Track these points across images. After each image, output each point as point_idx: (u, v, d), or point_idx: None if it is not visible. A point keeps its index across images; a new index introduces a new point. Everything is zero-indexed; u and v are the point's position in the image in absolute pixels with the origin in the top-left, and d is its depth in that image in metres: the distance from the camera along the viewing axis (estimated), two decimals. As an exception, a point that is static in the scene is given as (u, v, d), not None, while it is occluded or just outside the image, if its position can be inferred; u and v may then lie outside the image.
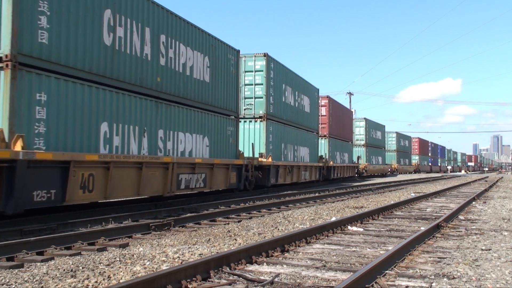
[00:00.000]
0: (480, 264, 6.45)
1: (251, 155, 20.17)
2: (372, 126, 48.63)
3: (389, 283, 5.41)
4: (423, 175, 60.87)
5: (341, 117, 35.54)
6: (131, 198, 13.25)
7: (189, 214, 11.84)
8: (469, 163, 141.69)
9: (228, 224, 10.79)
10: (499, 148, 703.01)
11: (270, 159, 20.84)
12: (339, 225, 9.59)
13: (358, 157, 43.07)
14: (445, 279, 5.61)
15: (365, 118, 46.65)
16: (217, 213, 12.23)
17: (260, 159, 20.27)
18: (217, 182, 16.61)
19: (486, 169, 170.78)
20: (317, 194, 19.90)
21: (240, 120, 19.63)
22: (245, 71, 21.53)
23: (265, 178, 20.90)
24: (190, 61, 15.25)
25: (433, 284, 5.38)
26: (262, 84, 21.34)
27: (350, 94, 63.20)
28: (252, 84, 21.47)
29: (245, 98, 21.43)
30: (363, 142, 45.61)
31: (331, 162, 30.74)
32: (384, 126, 55.79)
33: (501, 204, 16.10)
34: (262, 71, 21.42)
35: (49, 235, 8.19)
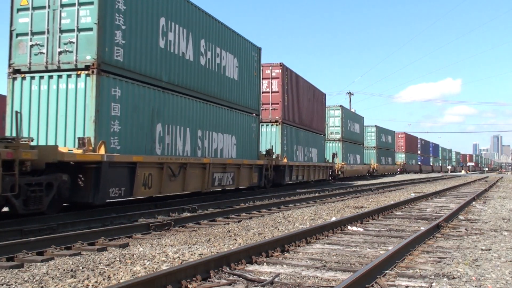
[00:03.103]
0: (480, 264, 6.45)
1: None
2: (349, 117, 41.18)
3: (389, 283, 5.41)
4: (414, 176, 55.18)
5: (306, 98, 28.35)
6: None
7: (189, 214, 11.85)
8: (469, 163, 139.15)
9: (228, 224, 10.79)
10: (499, 148, 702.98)
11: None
12: (339, 225, 9.58)
13: (334, 155, 35.08)
14: (445, 279, 5.61)
15: (341, 106, 38.83)
16: (217, 213, 12.23)
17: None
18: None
19: (486, 169, 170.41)
20: (317, 194, 19.90)
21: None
22: None
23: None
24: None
25: (433, 284, 5.37)
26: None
27: (350, 94, 63.25)
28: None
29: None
30: (338, 136, 37.89)
31: (285, 160, 23.36)
32: (363, 118, 47.37)
33: (501, 204, 16.10)
34: None
35: (49, 235, 8.19)
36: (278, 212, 13.27)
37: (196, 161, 14.69)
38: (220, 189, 17.44)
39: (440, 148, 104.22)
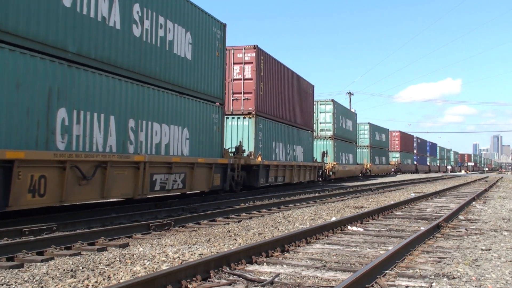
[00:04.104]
0: (480, 264, 6.45)
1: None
2: (342, 113, 37.64)
3: (389, 283, 5.41)
4: (414, 176, 53.82)
5: (289, 89, 25.12)
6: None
7: (189, 214, 11.84)
8: (469, 163, 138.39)
9: (228, 224, 10.79)
10: (499, 148, 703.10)
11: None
12: (339, 225, 9.58)
13: (324, 153, 31.64)
14: (445, 279, 5.61)
15: (332, 100, 35.13)
16: (217, 213, 12.23)
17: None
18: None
19: (486, 169, 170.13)
20: (317, 194, 19.89)
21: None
22: None
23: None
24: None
25: (433, 284, 5.37)
26: None
27: (350, 94, 63.25)
28: None
29: None
30: (330, 133, 34.56)
31: (259, 158, 19.93)
32: (356, 114, 44.59)
33: (501, 204, 16.10)
34: None
35: (49, 235, 8.20)
36: (278, 212, 13.27)
37: (122, 159, 11.16)
38: (164, 195, 14.05)
39: (438, 148, 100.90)
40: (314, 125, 31.87)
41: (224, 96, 17.11)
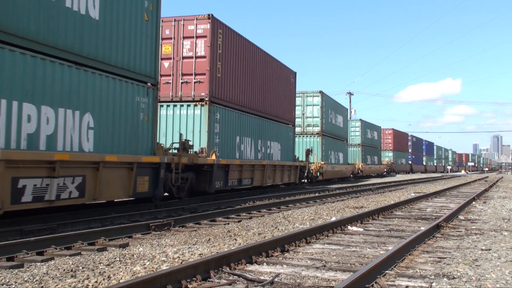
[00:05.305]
0: (480, 264, 6.45)
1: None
2: (331, 106, 33.64)
3: (389, 283, 5.41)
4: (414, 176, 51.66)
5: (260, 73, 20.81)
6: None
7: (189, 214, 11.85)
8: (470, 163, 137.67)
9: (228, 224, 10.79)
10: (499, 148, 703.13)
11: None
12: (339, 225, 9.59)
13: (308, 151, 27.77)
14: (445, 279, 5.61)
15: (320, 92, 31.09)
16: (217, 213, 12.23)
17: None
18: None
19: (486, 169, 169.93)
20: (317, 194, 19.89)
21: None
22: None
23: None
24: None
25: (433, 284, 5.38)
26: None
27: (350, 94, 63.30)
28: None
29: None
30: (317, 129, 30.72)
31: (213, 156, 15.88)
32: (347, 109, 40.52)
33: (501, 204, 16.11)
34: None
35: (49, 235, 8.19)
36: (278, 212, 13.28)
37: None
38: (47, 206, 9.46)
39: (435, 147, 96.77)
40: (300, 119, 29.58)
41: (159, 75, 13.26)
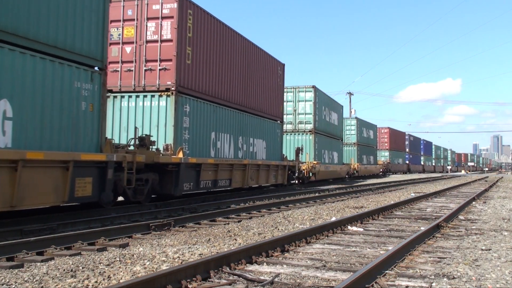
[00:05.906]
0: (480, 264, 6.45)
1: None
2: (325, 103, 31.56)
3: (389, 283, 5.41)
4: (414, 176, 50.89)
5: (241, 62, 18.82)
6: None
7: (189, 214, 11.85)
8: (470, 163, 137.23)
9: (228, 224, 10.79)
10: (499, 148, 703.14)
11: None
12: (339, 225, 9.59)
13: (298, 150, 26.11)
14: (445, 279, 5.61)
15: (313, 87, 29.09)
16: (217, 213, 12.23)
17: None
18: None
19: (486, 169, 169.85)
20: (317, 194, 19.90)
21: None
22: None
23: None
24: None
25: (433, 284, 5.38)
26: None
27: (350, 94, 63.28)
28: None
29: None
30: (310, 126, 28.81)
31: (180, 154, 13.92)
32: (342, 107, 37.97)
33: (501, 204, 16.11)
34: None
35: (49, 235, 8.19)
36: (278, 212, 13.28)
37: None
38: None
39: (433, 146, 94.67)
40: (291, 116, 28.29)
41: (106, 56, 11.02)
